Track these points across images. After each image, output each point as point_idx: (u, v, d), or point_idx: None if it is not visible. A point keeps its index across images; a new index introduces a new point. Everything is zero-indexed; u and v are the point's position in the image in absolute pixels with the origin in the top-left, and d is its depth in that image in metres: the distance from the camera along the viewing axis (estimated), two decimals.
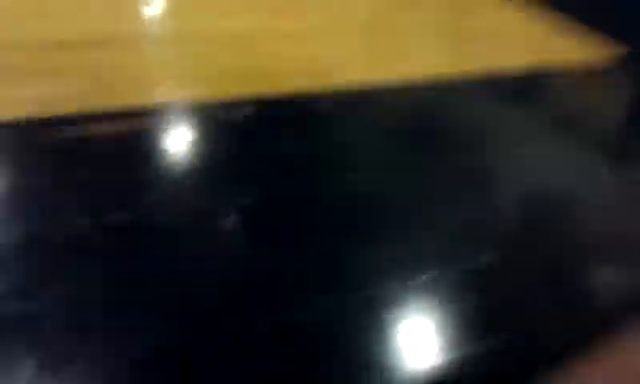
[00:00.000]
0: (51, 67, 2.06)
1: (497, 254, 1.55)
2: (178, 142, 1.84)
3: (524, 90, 2.46)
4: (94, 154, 1.70)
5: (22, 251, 1.38)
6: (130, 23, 2.49)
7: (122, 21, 2.48)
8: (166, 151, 1.80)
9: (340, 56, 2.45)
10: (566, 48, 2.79)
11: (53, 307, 1.26)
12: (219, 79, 2.14)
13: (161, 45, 2.37)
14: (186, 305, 1.32)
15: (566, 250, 1.62)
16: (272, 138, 1.88)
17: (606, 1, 3.26)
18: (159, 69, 2.19)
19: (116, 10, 2.55)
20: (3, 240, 1.40)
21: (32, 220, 1.46)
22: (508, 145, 2.03)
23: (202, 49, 2.35)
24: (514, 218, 1.73)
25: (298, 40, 2.53)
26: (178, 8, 2.72)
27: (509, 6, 3.16)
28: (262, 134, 1.90)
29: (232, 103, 2.00)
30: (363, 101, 2.14)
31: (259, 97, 2.05)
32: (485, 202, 1.76)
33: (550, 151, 2.04)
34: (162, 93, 2.05)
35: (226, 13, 2.69)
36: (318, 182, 1.74)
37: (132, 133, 1.81)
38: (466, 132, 2.07)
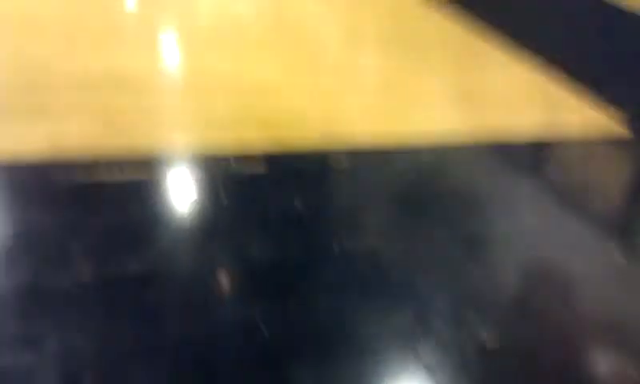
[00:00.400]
0: (65, 106, 2.08)
1: (499, 331, 1.53)
2: (188, 192, 1.85)
3: (531, 156, 2.48)
4: (102, 200, 1.71)
5: (25, 298, 1.37)
6: (146, 65, 2.52)
7: (138, 63, 2.51)
8: (175, 202, 1.80)
9: (352, 114, 2.47)
10: (571, 112, 2.82)
11: (54, 357, 1.25)
12: (232, 129, 2.16)
13: (175, 90, 2.40)
14: (189, 358, 1.31)
15: (570, 330, 1.61)
16: (281, 192, 1.89)
17: (610, 67, 3.29)
18: (172, 115, 2.21)
19: (132, 52, 2.59)
20: (5, 284, 1.40)
21: (37, 265, 1.46)
22: (513, 214, 2.04)
23: (216, 97, 2.37)
24: (516, 294, 1.72)
25: (311, 95, 2.55)
26: (193, 52, 2.76)
27: (517, 66, 3.20)
28: (272, 188, 1.91)
29: (244, 154, 2.02)
30: (372, 161, 2.16)
31: (271, 148, 2.06)
32: (489, 274, 1.75)
33: (556, 223, 2.04)
34: (173, 140, 2.07)
35: (240, 59, 2.72)
36: (325, 242, 1.73)
37: (142, 180, 1.82)
38: (473, 199, 2.08)
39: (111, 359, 1.27)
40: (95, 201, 1.70)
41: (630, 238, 2.07)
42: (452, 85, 2.92)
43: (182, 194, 1.84)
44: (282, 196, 1.87)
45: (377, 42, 3.27)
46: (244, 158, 2.00)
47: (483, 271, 1.75)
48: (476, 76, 3.07)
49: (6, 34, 2.53)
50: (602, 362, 1.54)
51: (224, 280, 1.57)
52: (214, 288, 1.52)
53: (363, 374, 1.34)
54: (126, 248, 1.56)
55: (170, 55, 2.72)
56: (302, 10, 3.55)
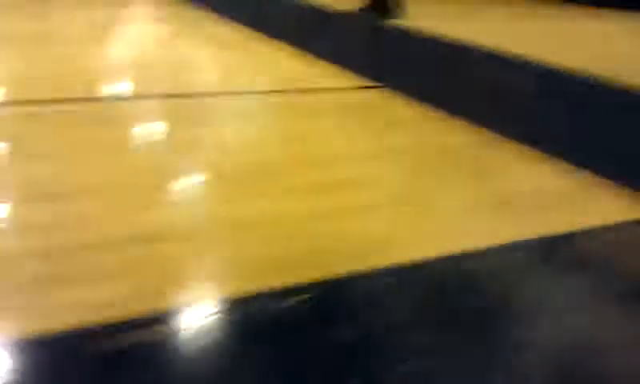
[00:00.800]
0: (87, 271, 2.04)
1: None
2: (221, 342, 1.77)
3: (565, 251, 2.39)
4: (133, 366, 1.63)
5: None
6: (165, 215, 2.51)
7: (158, 213, 2.50)
8: (207, 355, 1.72)
9: (378, 233, 2.42)
10: (600, 208, 2.74)
11: None
12: (257, 270, 2.10)
13: (198, 237, 2.37)
14: None
15: None
16: (327, 321, 1.82)
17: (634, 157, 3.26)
18: (197, 264, 2.17)
19: (150, 203, 2.59)
20: None
21: None
22: (557, 315, 1.93)
23: (239, 237, 2.34)
24: None
25: (340, 219, 2.52)
26: (210, 195, 2.76)
27: (537, 165, 3.17)
28: (318, 318, 1.83)
29: (283, 289, 1.95)
30: (413, 275, 2.08)
31: (301, 284, 2.00)
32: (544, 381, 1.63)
33: (601, 319, 1.93)
34: (202, 290, 2.01)
35: (259, 195, 2.71)
36: (379, 369, 1.63)
37: (172, 338, 1.75)
38: (516, 302, 1.98)
39: None
40: (126, 365, 1.63)
41: None
42: (477, 193, 2.87)
43: (222, 343, 1.75)
44: (329, 325, 1.80)
45: (396, 158, 3.28)
46: (283, 293, 1.93)
47: (538, 378, 1.63)
48: (499, 182, 3.04)
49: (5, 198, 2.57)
50: None
51: None
52: None
53: None
54: None
55: (199, 203, 2.70)
56: (322, 138, 3.60)
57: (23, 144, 3.22)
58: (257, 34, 6.56)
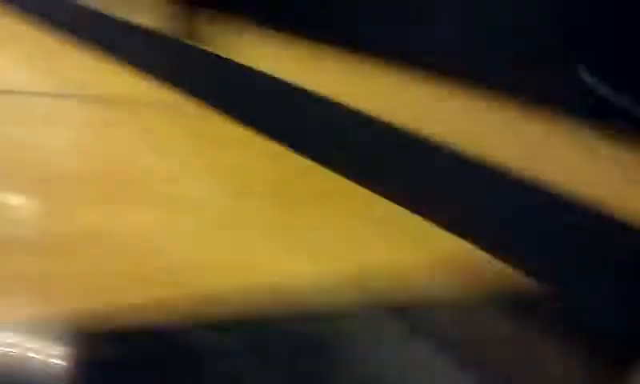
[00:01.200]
0: None
1: None
2: None
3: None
4: None
5: None
6: None
7: None
8: None
9: (195, 258, 2.20)
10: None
11: None
12: (56, 290, 1.77)
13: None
14: None
15: None
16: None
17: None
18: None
19: None
20: None
21: None
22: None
23: (36, 255, 1.98)
24: None
25: (149, 240, 2.25)
26: None
27: (353, 198, 3.13)
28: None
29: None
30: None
31: (108, 310, 1.69)
32: None
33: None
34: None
35: (62, 210, 2.34)
36: None
37: None
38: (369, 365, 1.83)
39: None
40: None
41: None
42: (291, 223, 2.73)
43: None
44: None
45: (216, 179, 3.08)
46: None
47: None
48: (315, 213, 2.88)
49: None
50: None
51: None
52: None
53: None
54: None
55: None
56: (130, 151, 3.26)
57: None
58: (51, 32, 5.92)
